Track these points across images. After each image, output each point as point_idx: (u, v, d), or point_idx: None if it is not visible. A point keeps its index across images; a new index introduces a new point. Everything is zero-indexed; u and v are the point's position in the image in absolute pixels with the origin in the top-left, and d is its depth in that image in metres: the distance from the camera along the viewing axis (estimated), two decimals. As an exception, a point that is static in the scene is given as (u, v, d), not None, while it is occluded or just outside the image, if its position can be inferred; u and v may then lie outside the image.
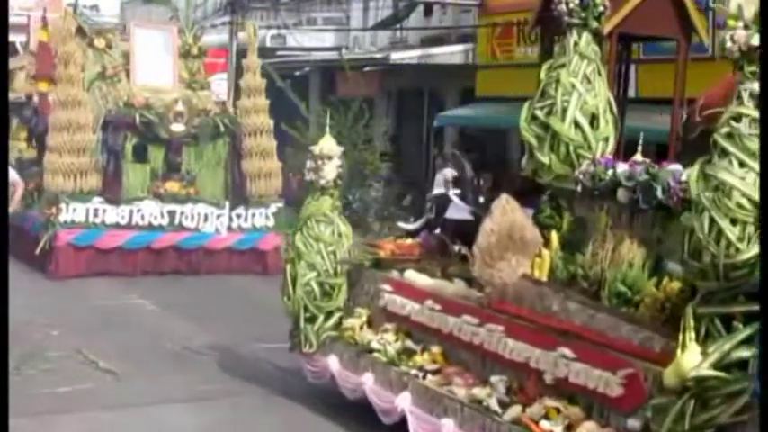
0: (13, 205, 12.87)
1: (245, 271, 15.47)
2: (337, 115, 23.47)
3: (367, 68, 24.33)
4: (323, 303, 9.05)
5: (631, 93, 18.36)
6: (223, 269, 15.44)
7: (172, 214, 15.28)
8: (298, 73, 25.49)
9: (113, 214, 14.96)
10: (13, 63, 18.37)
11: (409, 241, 9.43)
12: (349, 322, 8.84)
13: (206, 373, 9.85)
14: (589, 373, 6.50)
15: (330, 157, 9.23)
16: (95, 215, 14.87)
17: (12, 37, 25.85)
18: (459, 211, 9.02)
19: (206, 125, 15.85)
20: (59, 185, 14.88)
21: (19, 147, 18.09)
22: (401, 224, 14.10)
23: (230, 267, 15.54)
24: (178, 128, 15.53)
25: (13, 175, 12.69)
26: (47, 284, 14.29)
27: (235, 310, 12.82)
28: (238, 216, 15.75)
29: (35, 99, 19.40)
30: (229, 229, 15.65)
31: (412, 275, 8.65)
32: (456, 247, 8.58)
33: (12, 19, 21.89)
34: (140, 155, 15.58)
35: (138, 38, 16.38)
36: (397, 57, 23.07)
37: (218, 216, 15.61)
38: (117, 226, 14.97)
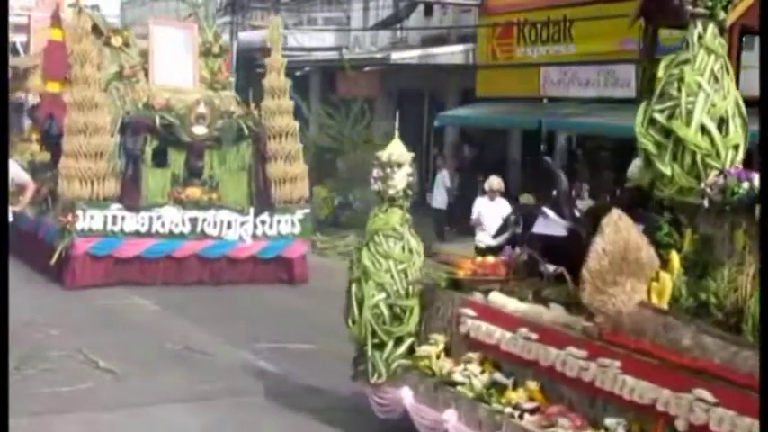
0: (22, 206, 12.87)
1: (270, 280, 14.87)
2: (338, 115, 23.52)
3: (367, 68, 24.36)
4: (393, 328, 8.16)
5: (632, 93, 18.51)
6: (247, 279, 14.80)
7: (193, 221, 14.60)
8: (298, 73, 25.48)
9: (132, 222, 14.26)
10: (26, 62, 17.95)
11: (491, 259, 8.43)
12: (424, 350, 7.96)
13: (206, 373, 9.84)
14: (736, 421, 5.59)
15: (400, 165, 8.42)
16: (114, 223, 14.17)
17: (12, 37, 25.83)
18: (550, 225, 7.88)
19: (229, 128, 15.06)
20: (76, 192, 14.12)
21: (31, 149, 17.57)
22: (479, 239, 13.63)
23: (254, 277, 14.90)
24: (200, 130, 14.75)
25: (23, 176, 12.67)
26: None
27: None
28: (263, 223, 15.03)
29: (27, 100, 19.28)
30: (254, 236, 14.96)
31: (498, 298, 7.66)
32: (550, 267, 7.58)
33: (12, 19, 21.83)
34: (160, 159, 14.82)
35: (156, 35, 15.62)
36: (397, 57, 23.09)
37: (242, 223, 14.91)
38: (136, 234, 14.29)
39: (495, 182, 14.26)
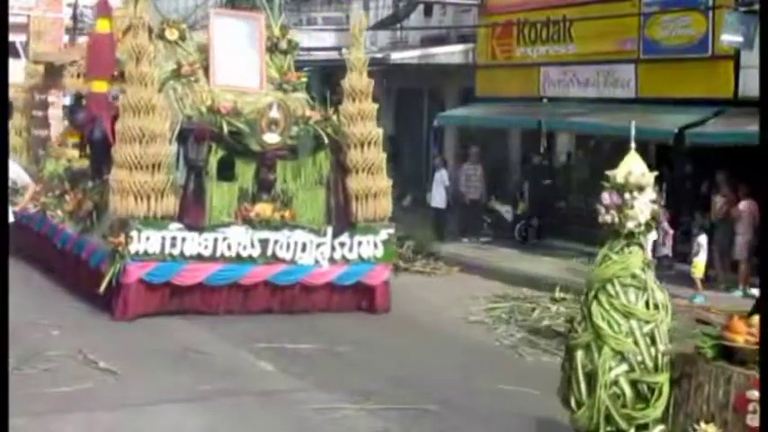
0: (21, 205, 12.89)
1: (348, 309, 13.14)
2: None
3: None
4: (636, 412, 6.38)
5: (631, 93, 18.58)
6: (322, 307, 13.05)
7: (264, 243, 12.62)
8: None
9: (194, 244, 12.28)
10: (62, 57, 16.43)
11: None
12: None
13: (206, 373, 9.84)
14: None
15: (641, 188, 6.57)
16: (173, 245, 12.18)
17: (12, 37, 25.80)
18: None
19: (305, 135, 13.06)
20: (130, 209, 12.14)
21: (68, 155, 15.98)
22: (752, 291, 11.37)
23: (330, 305, 13.13)
24: (272, 138, 12.71)
25: (24, 177, 12.69)
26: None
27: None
28: (342, 245, 13.05)
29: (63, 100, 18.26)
30: (331, 260, 13.01)
31: None
32: None
33: (12, 19, 21.73)
34: (226, 171, 12.77)
35: (217, 28, 13.60)
36: (397, 57, 23.09)
37: (319, 245, 12.93)
38: (198, 258, 12.33)
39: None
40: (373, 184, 13.39)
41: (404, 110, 25.47)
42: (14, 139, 17.41)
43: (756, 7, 15.08)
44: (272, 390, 9.51)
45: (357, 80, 13.69)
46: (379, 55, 23.84)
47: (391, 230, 13.43)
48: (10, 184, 12.11)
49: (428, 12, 25.14)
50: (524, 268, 17.18)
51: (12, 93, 16.96)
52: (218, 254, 12.40)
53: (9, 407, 6.44)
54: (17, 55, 34.17)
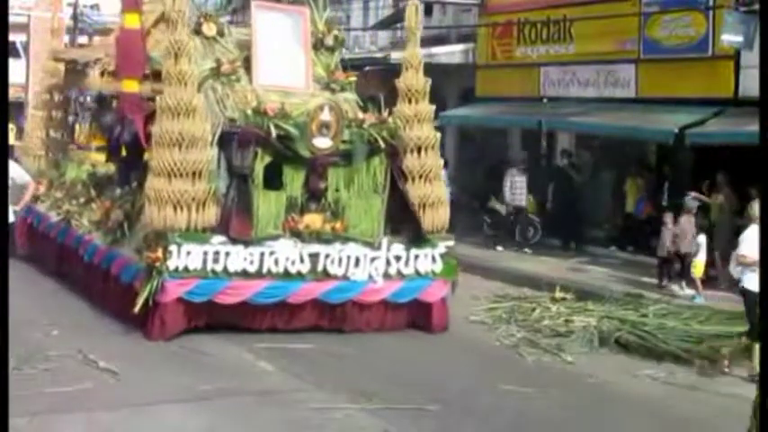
0: (21, 204, 12.85)
1: (403, 328, 12.22)
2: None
3: (367, 68, 24.30)
4: None
5: (632, 93, 18.60)
6: (375, 326, 12.07)
7: (314, 258, 11.60)
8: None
9: (239, 258, 11.25)
10: (86, 55, 15.35)
11: None
12: None
13: (206, 373, 9.83)
14: None
15: None
16: (215, 260, 11.16)
17: (12, 37, 25.77)
18: None
19: (359, 139, 11.98)
20: (168, 220, 11.07)
21: (92, 159, 14.96)
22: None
23: (384, 324, 12.13)
24: (323, 143, 11.68)
25: (24, 175, 12.66)
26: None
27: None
28: (397, 259, 12.05)
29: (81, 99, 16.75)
30: (385, 275, 12.02)
31: None
32: None
33: (12, 19, 21.65)
34: (273, 179, 11.75)
35: (260, 23, 12.51)
36: (397, 56, 23.04)
37: (373, 259, 11.91)
38: (243, 274, 11.30)
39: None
40: (431, 193, 12.45)
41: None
42: (33, 142, 16.66)
43: (756, 7, 15.09)
44: (272, 390, 9.50)
45: (413, 79, 12.78)
46: (379, 55, 23.86)
47: (450, 243, 12.39)
48: (9, 182, 12.11)
49: (428, 12, 25.09)
50: (525, 268, 17.19)
51: (12, 92, 16.72)
52: (264, 270, 11.38)
53: (9, 407, 6.45)
54: (18, 55, 34.21)
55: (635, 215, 18.76)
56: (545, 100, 20.40)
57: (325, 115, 11.70)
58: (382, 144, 12.02)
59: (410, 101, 12.69)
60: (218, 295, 11.24)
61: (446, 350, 11.54)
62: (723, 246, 15.61)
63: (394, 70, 23.82)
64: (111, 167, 13.99)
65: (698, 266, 15.11)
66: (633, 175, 19.04)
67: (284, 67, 12.45)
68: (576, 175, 20.02)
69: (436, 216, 12.43)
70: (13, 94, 30.00)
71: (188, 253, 11.04)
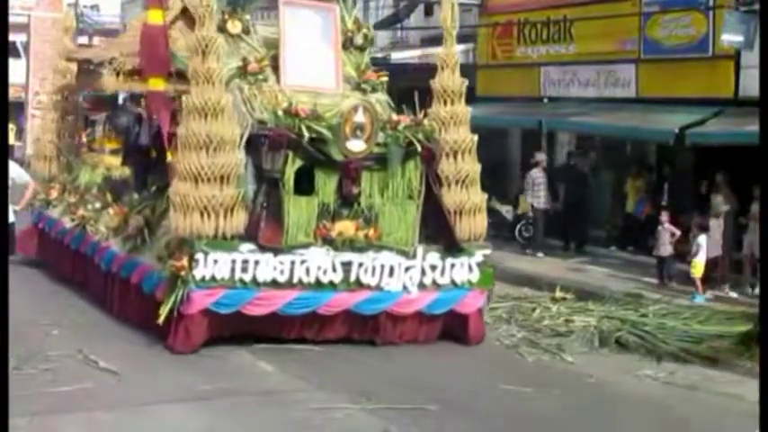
0: (22, 204, 12.84)
1: (436, 340, 11.69)
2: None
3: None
4: None
5: (632, 93, 18.61)
6: (409, 338, 11.53)
7: (346, 267, 11.03)
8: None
9: (269, 267, 10.68)
10: (100, 54, 14.68)
11: None
12: None
13: (206, 373, 9.83)
14: None
15: None
16: (244, 269, 10.59)
17: (12, 37, 25.76)
18: None
19: (395, 142, 11.43)
20: (195, 227, 10.49)
21: (106, 162, 14.59)
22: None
23: (417, 336, 11.60)
24: (357, 146, 11.15)
25: (23, 175, 12.65)
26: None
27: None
28: (433, 268, 11.47)
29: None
30: (420, 285, 11.45)
31: None
32: None
33: (12, 19, 21.61)
34: (304, 184, 11.17)
35: (288, 20, 11.95)
36: (397, 56, 23.08)
37: (408, 268, 11.33)
38: (273, 284, 10.73)
39: None
40: (468, 199, 11.86)
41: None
42: (44, 145, 15.97)
43: (756, 7, 15.09)
44: (272, 390, 9.50)
45: (449, 80, 12.26)
46: (379, 55, 23.85)
47: (488, 251, 11.85)
48: (9, 182, 12.11)
49: (428, 12, 25.14)
50: (525, 268, 17.19)
51: (12, 92, 16.54)
52: (294, 279, 10.81)
53: (9, 407, 6.46)
54: (18, 55, 34.23)
55: (635, 215, 18.76)
56: (545, 100, 20.41)
57: (359, 117, 11.20)
58: (419, 147, 11.47)
59: (446, 102, 12.18)
60: (247, 306, 10.66)
61: (446, 350, 11.53)
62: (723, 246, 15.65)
63: (395, 71, 23.87)
64: (127, 171, 13.53)
65: (698, 266, 15.10)
66: (633, 176, 19.05)
67: (313, 66, 11.90)
68: (589, 175, 19.84)
69: (473, 224, 11.86)
70: (13, 94, 30.07)
71: (215, 261, 10.47)
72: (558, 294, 14.36)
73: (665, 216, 15.90)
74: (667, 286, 15.50)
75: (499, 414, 9.07)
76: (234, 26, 11.93)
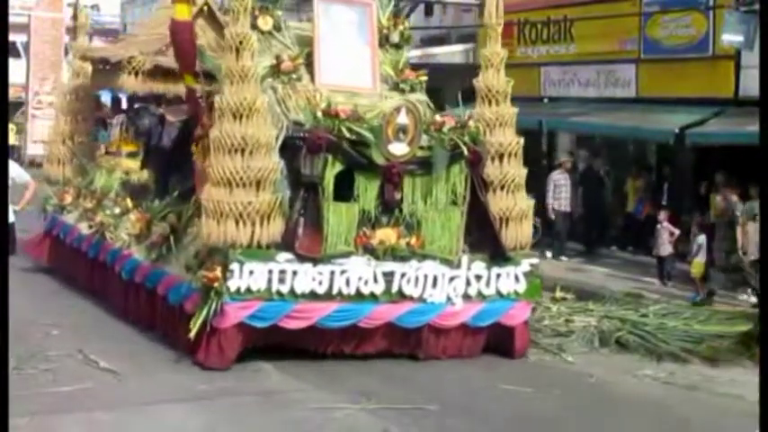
0: (22, 204, 12.83)
1: (480, 354, 11.09)
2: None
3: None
4: None
5: (632, 93, 18.62)
6: (452, 352, 10.91)
7: (388, 277, 10.42)
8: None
9: (307, 278, 10.08)
10: (117, 52, 14.18)
11: None
12: None
13: (206, 373, 9.83)
14: None
15: None
16: (281, 280, 9.98)
17: (12, 37, 25.77)
18: None
19: (439, 145, 10.76)
20: (229, 235, 9.87)
21: (124, 165, 13.90)
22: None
23: (461, 350, 10.98)
24: (400, 149, 10.50)
25: (23, 175, 12.64)
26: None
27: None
28: (478, 278, 10.88)
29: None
30: (465, 296, 10.85)
31: None
32: None
33: (12, 19, 21.59)
34: (343, 189, 10.51)
35: (322, 16, 11.39)
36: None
37: (452, 279, 10.73)
38: (312, 296, 10.13)
39: None
40: (514, 205, 11.30)
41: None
42: (58, 148, 15.40)
43: (756, 7, 15.09)
44: (272, 390, 9.50)
45: (494, 79, 11.64)
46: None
47: (535, 260, 11.31)
48: (9, 182, 12.11)
49: (428, 12, 25.16)
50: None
51: (12, 92, 16.36)
52: (334, 291, 10.20)
53: (9, 407, 6.46)
54: (18, 55, 34.24)
55: (635, 215, 18.76)
56: (545, 100, 20.42)
57: (402, 118, 10.51)
58: (465, 150, 10.80)
59: (490, 102, 11.59)
60: (284, 319, 10.06)
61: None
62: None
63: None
64: (145, 175, 13.05)
65: (698, 266, 15.10)
66: (633, 176, 19.05)
67: (349, 65, 11.29)
68: (606, 179, 19.58)
69: (519, 231, 11.30)
70: (13, 94, 30.08)
71: (251, 272, 9.86)
72: (558, 294, 14.33)
73: (663, 215, 15.92)
74: (667, 286, 15.51)
75: (499, 414, 9.08)
76: (265, 23, 11.21)
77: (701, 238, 15.16)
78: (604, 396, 9.98)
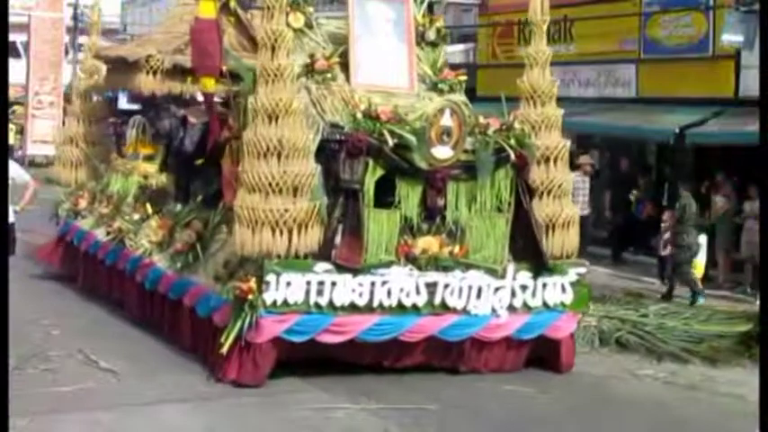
0: (22, 204, 12.80)
1: (523, 368, 10.55)
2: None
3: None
4: None
5: (632, 93, 18.62)
6: (494, 366, 10.37)
7: (431, 288, 9.88)
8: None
9: (347, 290, 9.54)
10: (134, 51, 13.58)
11: None
12: None
13: (206, 374, 9.83)
14: None
15: None
16: (319, 292, 9.43)
17: (12, 37, 25.75)
18: None
19: (484, 148, 10.24)
20: (265, 245, 9.33)
21: (142, 169, 13.29)
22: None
23: (504, 363, 10.43)
24: (444, 153, 9.96)
25: (23, 175, 12.61)
26: None
27: None
28: (523, 288, 10.33)
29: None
30: (510, 308, 10.29)
31: None
32: None
33: (12, 19, 21.56)
34: (384, 195, 9.99)
35: (357, 13, 10.83)
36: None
37: (497, 289, 10.20)
38: (352, 308, 9.60)
39: None
40: (560, 211, 10.75)
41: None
42: (71, 151, 14.80)
43: (756, 7, 15.09)
44: (272, 390, 9.49)
45: (539, 78, 11.06)
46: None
47: (582, 270, 10.71)
48: (9, 182, 12.09)
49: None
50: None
51: (12, 92, 16.21)
52: (374, 303, 9.66)
53: (9, 407, 6.46)
54: (18, 55, 34.22)
55: (635, 215, 18.75)
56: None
57: (446, 120, 9.95)
58: (511, 154, 10.28)
59: (535, 104, 10.99)
60: (322, 333, 9.52)
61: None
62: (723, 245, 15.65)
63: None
64: (164, 179, 12.61)
65: (698, 266, 15.10)
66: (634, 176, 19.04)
67: (385, 64, 10.74)
68: (642, 181, 18.87)
69: (566, 239, 10.74)
70: (13, 94, 30.05)
71: (288, 284, 9.29)
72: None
73: (667, 215, 15.89)
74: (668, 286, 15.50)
75: (499, 414, 9.08)
76: (296, 20, 10.57)
77: (702, 238, 15.16)
78: (604, 396, 9.98)
